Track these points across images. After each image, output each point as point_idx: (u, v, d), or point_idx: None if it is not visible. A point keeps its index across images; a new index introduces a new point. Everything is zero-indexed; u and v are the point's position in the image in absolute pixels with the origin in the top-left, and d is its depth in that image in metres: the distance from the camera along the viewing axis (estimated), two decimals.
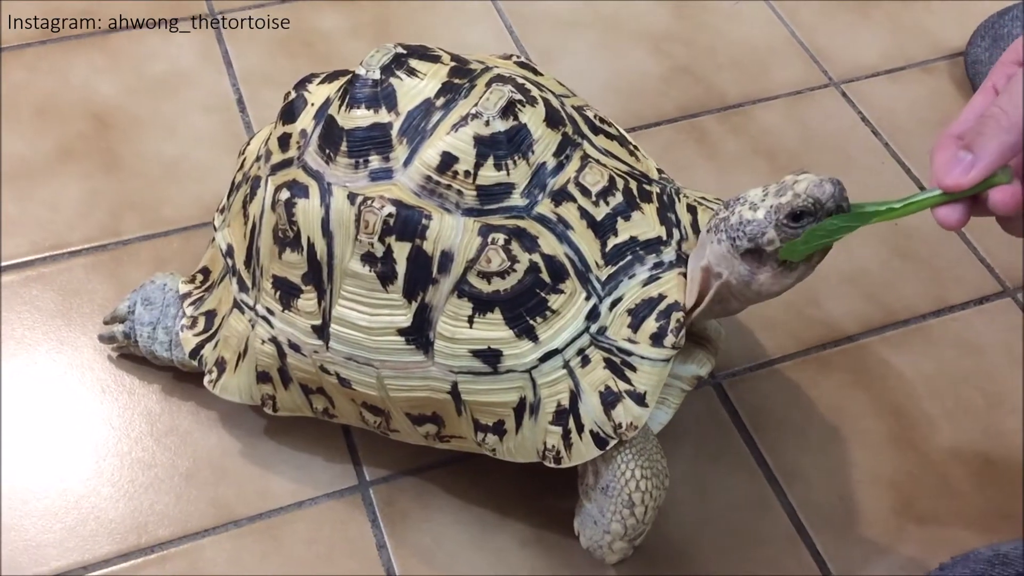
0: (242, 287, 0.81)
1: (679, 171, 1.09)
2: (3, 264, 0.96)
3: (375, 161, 0.74)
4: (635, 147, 0.83)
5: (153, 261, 0.97)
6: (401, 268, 0.72)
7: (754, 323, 0.97)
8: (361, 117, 0.74)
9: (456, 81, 0.75)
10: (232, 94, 1.12)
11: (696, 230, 0.78)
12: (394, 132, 0.73)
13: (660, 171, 0.83)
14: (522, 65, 0.82)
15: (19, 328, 0.92)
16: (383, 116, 0.74)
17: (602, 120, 0.81)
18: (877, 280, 1.01)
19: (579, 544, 0.79)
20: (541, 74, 0.82)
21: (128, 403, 0.89)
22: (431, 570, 0.81)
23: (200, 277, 0.89)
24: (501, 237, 0.71)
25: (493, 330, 0.73)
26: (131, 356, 0.90)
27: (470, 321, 0.73)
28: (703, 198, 0.83)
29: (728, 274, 0.70)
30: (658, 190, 0.78)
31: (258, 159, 0.82)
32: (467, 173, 0.72)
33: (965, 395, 0.94)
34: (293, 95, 0.80)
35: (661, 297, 0.74)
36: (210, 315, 0.85)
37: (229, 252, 0.83)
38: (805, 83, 1.19)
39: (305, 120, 0.78)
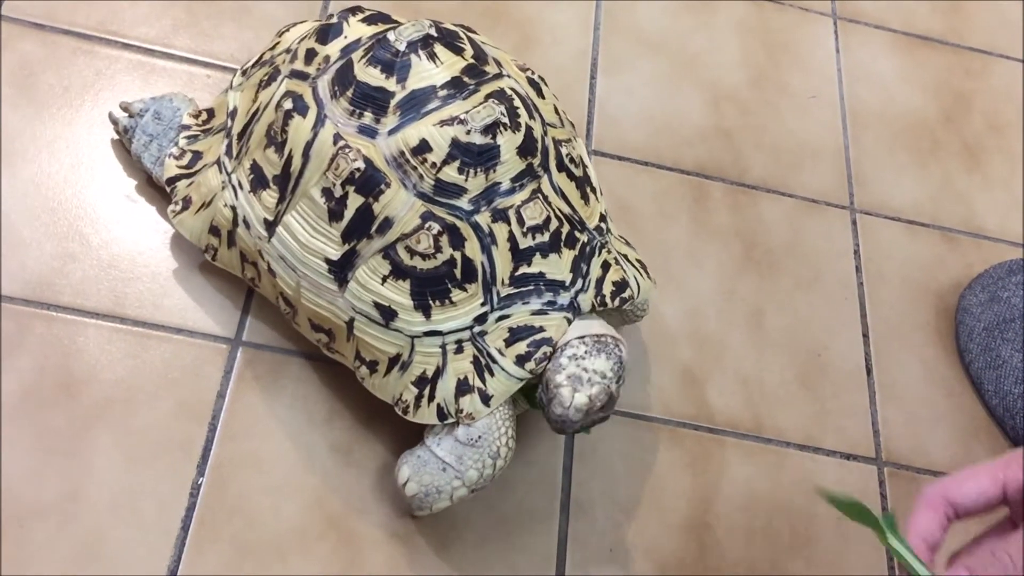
0: (228, 152, 0.92)
1: (659, 217, 1.16)
2: (65, 28, 1.10)
3: (368, 118, 0.84)
4: (592, 188, 0.92)
5: (183, 82, 1.10)
6: (349, 214, 0.84)
7: (638, 377, 1.04)
8: (373, 76, 0.84)
9: (465, 79, 0.85)
10: None
11: (599, 286, 0.88)
12: (393, 102, 0.83)
13: (604, 216, 0.92)
14: (532, 83, 0.91)
15: (54, 82, 1.06)
16: (391, 84, 0.84)
17: (572, 159, 0.90)
18: (767, 394, 1.07)
19: (375, 472, 0.91)
20: (544, 97, 0.91)
21: (101, 183, 1.02)
22: (246, 434, 0.93)
23: (204, 115, 1.00)
24: (436, 227, 0.82)
25: (398, 295, 0.84)
26: (123, 147, 1.03)
27: (384, 279, 0.84)
28: (625, 256, 0.92)
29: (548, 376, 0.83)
30: (585, 239, 0.88)
31: (288, 51, 0.92)
32: (434, 164, 0.82)
33: (776, 524, 1.00)
34: (334, 20, 0.90)
35: (541, 329, 0.84)
36: (196, 155, 0.96)
37: (232, 114, 0.94)
38: (825, 196, 1.23)
39: (333, 48, 0.88)
